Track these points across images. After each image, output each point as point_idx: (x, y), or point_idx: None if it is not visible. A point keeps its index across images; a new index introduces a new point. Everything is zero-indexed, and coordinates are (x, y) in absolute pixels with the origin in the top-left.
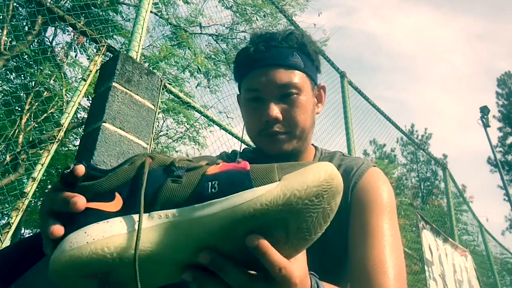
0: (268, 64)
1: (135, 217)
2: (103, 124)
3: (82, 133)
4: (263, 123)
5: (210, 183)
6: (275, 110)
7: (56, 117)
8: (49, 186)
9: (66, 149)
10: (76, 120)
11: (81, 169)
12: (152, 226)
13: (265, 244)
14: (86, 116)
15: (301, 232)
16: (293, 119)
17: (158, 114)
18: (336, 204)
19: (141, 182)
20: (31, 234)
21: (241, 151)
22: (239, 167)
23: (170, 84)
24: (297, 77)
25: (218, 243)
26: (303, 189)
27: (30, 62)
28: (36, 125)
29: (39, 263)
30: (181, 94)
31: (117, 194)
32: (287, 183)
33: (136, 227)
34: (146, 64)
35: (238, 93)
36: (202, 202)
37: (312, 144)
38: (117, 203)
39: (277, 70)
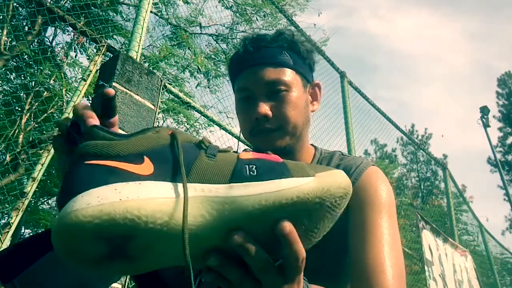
0: (256, 64)
1: (172, 184)
2: None
3: None
4: (253, 121)
5: (247, 166)
6: (264, 107)
7: (56, 117)
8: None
9: None
10: None
11: (111, 91)
12: (191, 196)
13: (295, 233)
14: None
15: (312, 231)
16: (283, 115)
17: (158, 114)
18: (341, 212)
19: (176, 150)
20: (31, 234)
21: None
22: (272, 158)
23: (170, 84)
24: (286, 74)
25: (250, 226)
26: (336, 188)
27: (30, 62)
28: (36, 125)
29: (41, 259)
30: (181, 94)
31: (146, 158)
32: (322, 180)
33: (175, 194)
34: (146, 64)
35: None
36: (241, 182)
37: (312, 144)
38: (147, 167)
39: (265, 68)
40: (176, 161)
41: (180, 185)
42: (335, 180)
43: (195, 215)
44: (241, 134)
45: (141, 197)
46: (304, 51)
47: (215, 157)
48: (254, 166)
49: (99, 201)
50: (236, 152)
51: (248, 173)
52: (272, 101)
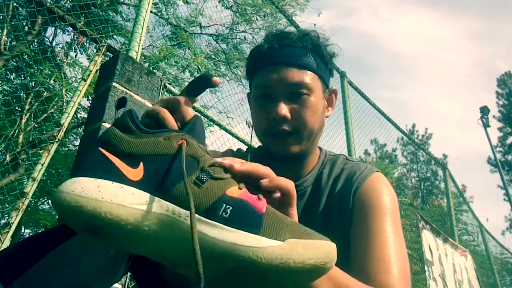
0: (280, 62)
1: (149, 197)
2: (103, 124)
3: (82, 133)
4: (271, 121)
5: (224, 205)
6: (284, 109)
7: (56, 117)
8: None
9: (66, 149)
10: (76, 120)
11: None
12: (159, 213)
13: None
14: (86, 116)
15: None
16: (301, 119)
17: None
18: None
19: (183, 180)
20: (31, 234)
21: (245, 151)
22: (257, 205)
23: (170, 84)
24: (309, 78)
25: (204, 263)
26: (299, 263)
27: (30, 62)
28: (36, 125)
29: (43, 260)
30: None
31: (141, 164)
32: (289, 249)
33: (146, 207)
34: (146, 64)
35: (249, 91)
36: (211, 219)
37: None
38: (138, 173)
39: (289, 68)
40: (165, 175)
41: (156, 200)
42: (302, 255)
43: (154, 229)
44: (253, 130)
45: (114, 200)
46: (327, 55)
47: (202, 185)
48: (230, 208)
49: (80, 192)
50: (235, 176)
51: (221, 213)
52: (292, 103)
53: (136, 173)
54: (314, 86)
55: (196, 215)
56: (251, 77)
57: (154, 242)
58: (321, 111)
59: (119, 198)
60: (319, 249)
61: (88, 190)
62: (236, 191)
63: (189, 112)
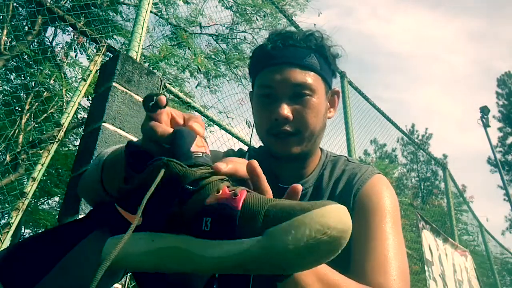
0: (284, 62)
1: (148, 236)
2: (103, 124)
3: (82, 133)
4: (273, 121)
5: (204, 218)
6: (286, 109)
7: (56, 117)
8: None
9: (66, 149)
10: (76, 120)
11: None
12: (164, 247)
13: None
14: (86, 116)
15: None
16: (303, 120)
17: None
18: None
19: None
20: (31, 234)
21: (245, 150)
22: (233, 203)
23: (170, 84)
24: (312, 79)
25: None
26: (286, 251)
27: (30, 62)
28: (36, 125)
29: (42, 261)
30: (181, 94)
31: (138, 210)
32: (269, 241)
33: (146, 247)
34: (146, 64)
35: (251, 90)
36: (197, 236)
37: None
38: (138, 218)
39: (292, 69)
40: (162, 215)
41: (158, 237)
42: (287, 239)
43: (152, 261)
44: (254, 130)
45: (129, 251)
46: (330, 56)
47: (186, 205)
48: (210, 220)
49: (107, 249)
50: (216, 174)
51: (203, 227)
52: (295, 104)
53: (135, 218)
54: (317, 87)
55: (185, 236)
56: (253, 76)
57: (165, 268)
58: (323, 112)
59: (124, 250)
60: (306, 225)
61: (111, 248)
62: (214, 196)
63: (165, 129)
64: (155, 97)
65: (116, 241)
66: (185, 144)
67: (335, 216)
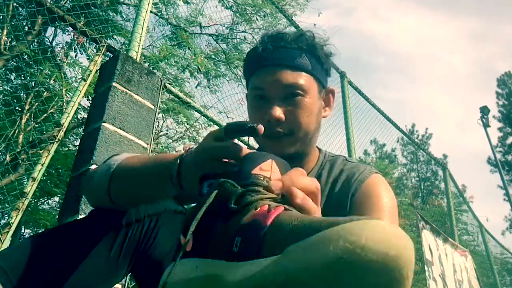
0: (275, 64)
1: (194, 263)
2: (103, 124)
3: (82, 133)
4: (265, 123)
5: (236, 238)
6: (278, 111)
7: (56, 117)
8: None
9: (66, 149)
10: (76, 120)
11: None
12: (193, 277)
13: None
14: (86, 116)
15: None
16: (296, 120)
17: (158, 114)
18: None
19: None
20: (31, 234)
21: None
22: (263, 220)
23: (170, 84)
24: (303, 79)
25: None
26: (303, 270)
27: (30, 62)
28: (36, 125)
29: (45, 261)
30: (181, 94)
31: (184, 237)
32: (285, 260)
33: (191, 274)
34: (146, 64)
35: (247, 91)
36: (230, 259)
37: (316, 146)
38: (189, 245)
39: (283, 70)
40: (204, 241)
41: (205, 263)
42: (304, 257)
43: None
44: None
45: (182, 277)
46: (323, 56)
47: (227, 225)
48: (240, 240)
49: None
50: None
51: (233, 248)
52: (287, 105)
53: (184, 242)
54: (308, 87)
55: (222, 261)
56: (247, 78)
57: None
58: (316, 112)
59: (180, 275)
60: (330, 242)
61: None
62: (251, 214)
63: (240, 149)
64: (255, 125)
65: (171, 268)
66: (249, 166)
67: (373, 233)
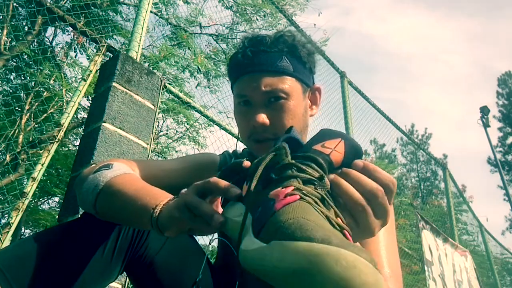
0: (255, 70)
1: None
2: (103, 124)
3: (82, 133)
4: (251, 128)
5: (260, 208)
6: (262, 116)
7: (56, 117)
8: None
9: (66, 149)
10: (76, 120)
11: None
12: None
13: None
14: (86, 116)
15: None
16: (280, 124)
17: (158, 114)
18: None
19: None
20: (31, 234)
21: (241, 151)
22: (276, 202)
23: (170, 84)
24: (285, 82)
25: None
26: (274, 266)
27: (30, 62)
28: (36, 125)
29: (39, 261)
30: (181, 94)
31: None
32: (266, 251)
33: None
34: (146, 64)
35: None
36: (253, 221)
37: None
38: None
39: (263, 76)
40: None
41: (243, 211)
42: (280, 256)
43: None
44: (239, 134)
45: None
46: (305, 55)
47: (262, 193)
48: (259, 211)
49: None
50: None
51: (256, 213)
52: (270, 110)
53: (245, 190)
54: (291, 90)
55: (249, 216)
56: (231, 84)
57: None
58: (302, 112)
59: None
60: (302, 252)
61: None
62: (278, 190)
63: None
64: (241, 161)
65: (229, 205)
66: (316, 139)
67: (321, 259)
